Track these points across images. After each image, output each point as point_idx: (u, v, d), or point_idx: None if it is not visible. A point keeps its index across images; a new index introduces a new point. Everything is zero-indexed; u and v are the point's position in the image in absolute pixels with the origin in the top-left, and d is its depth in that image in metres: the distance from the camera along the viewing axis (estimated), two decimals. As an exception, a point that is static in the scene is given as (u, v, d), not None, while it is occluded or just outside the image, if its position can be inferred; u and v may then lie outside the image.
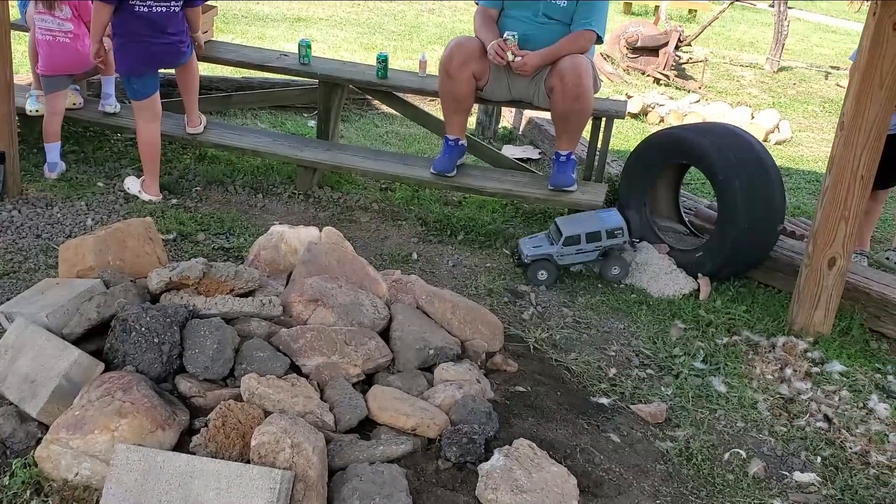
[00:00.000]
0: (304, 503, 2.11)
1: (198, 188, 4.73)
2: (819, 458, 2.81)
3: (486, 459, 2.40)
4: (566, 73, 4.31)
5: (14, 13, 4.39)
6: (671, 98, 7.95)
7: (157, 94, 4.40)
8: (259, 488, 2.04)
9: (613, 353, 3.39)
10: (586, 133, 4.87)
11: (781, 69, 10.13)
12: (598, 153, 4.86)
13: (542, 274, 3.94)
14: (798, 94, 9.06)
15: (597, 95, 4.59)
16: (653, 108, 7.46)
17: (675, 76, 8.95)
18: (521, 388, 2.98)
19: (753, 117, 7.39)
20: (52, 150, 4.57)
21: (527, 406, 2.86)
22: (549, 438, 2.67)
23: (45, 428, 2.36)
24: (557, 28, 4.43)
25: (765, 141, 6.97)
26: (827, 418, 3.05)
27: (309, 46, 5.09)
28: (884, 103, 3.42)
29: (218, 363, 2.56)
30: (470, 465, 2.41)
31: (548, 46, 4.38)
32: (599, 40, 4.56)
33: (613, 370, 3.24)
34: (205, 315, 2.70)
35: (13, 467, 2.27)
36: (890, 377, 3.37)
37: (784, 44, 10.15)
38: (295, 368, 2.67)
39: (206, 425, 2.29)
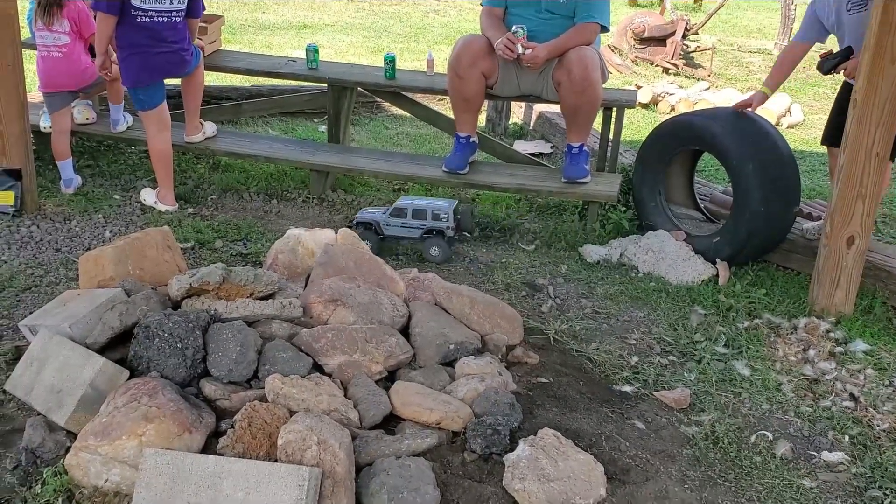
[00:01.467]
0: (332, 499, 2.12)
1: (213, 196, 4.76)
2: (847, 437, 2.79)
3: (512, 450, 2.40)
4: (573, 66, 4.31)
5: (24, 33, 4.43)
6: (681, 87, 7.92)
7: (164, 104, 4.43)
8: (288, 486, 2.05)
9: (634, 342, 3.38)
10: (597, 124, 4.87)
11: (790, 53, 10.06)
12: (609, 143, 4.86)
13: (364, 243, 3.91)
14: (808, 78, 8.98)
15: (606, 86, 4.58)
16: (663, 98, 7.44)
17: (684, 65, 8.92)
18: (543, 380, 2.97)
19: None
20: (65, 167, 4.62)
21: (550, 396, 2.86)
22: (574, 427, 2.66)
23: (73, 436, 2.39)
24: (561, 23, 4.43)
25: (777, 125, 6.92)
26: (853, 397, 3.03)
27: (316, 51, 5.12)
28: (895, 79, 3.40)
29: (241, 365, 2.57)
30: (496, 456, 2.41)
31: (548, 41, 4.38)
32: (605, 30, 4.56)
33: (635, 358, 3.24)
34: (226, 319, 2.72)
35: (44, 476, 2.30)
36: (915, 354, 3.34)
37: (792, 28, 10.09)
38: (318, 368, 2.68)
39: (233, 427, 2.31)
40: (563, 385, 2.96)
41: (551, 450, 2.40)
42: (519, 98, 4.99)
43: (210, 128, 5.00)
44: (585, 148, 4.59)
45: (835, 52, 3.96)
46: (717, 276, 3.97)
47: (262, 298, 2.90)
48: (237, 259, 3.93)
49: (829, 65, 3.87)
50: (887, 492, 2.51)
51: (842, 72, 3.87)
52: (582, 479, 2.32)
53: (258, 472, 2.10)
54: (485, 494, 2.27)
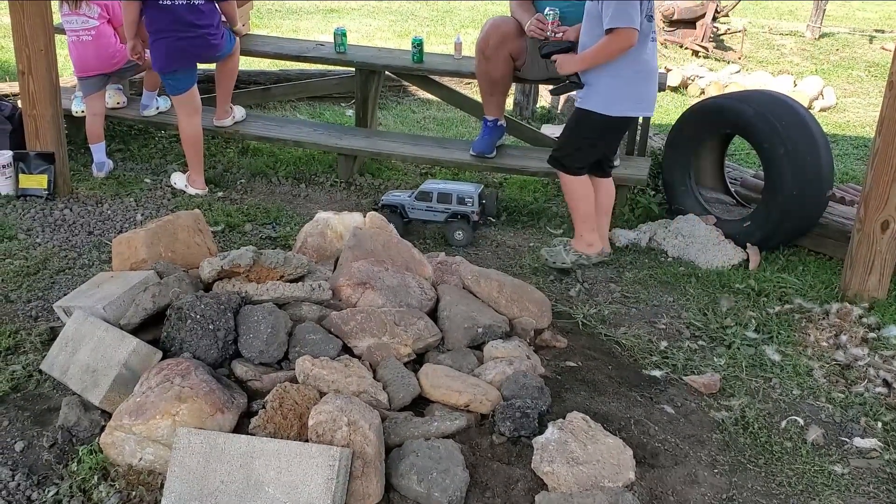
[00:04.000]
0: (362, 479, 2.14)
1: (242, 180, 4.79)
2: (880, 424, 2.76)
3: (541, 433, 2.40)
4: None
5: (57, 17, 4.48)
6: (711, 70, 7.83)
7: (195, 88, 4.45)
8: (319, 466, 2.07)
9: (664, 326, 3.36)
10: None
11: (823, 35, 9.89)
12: (639, 127, 4.81)
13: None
14: (841, 60, 8.84)
15: (635, 68, 4.53)
16: (692, 81, 7.35)
17: (714, 48, 8.80)
18: (571, 364, 2.97)
19: (796, 85, 7.24)
20: (98, 150, 4.67)
21: (578, 380, 2.86)
22: (603, 411, 2.66)
23: (107, 416, 2.43)
24: None
25: (809, 108, 6.82)
26: (886, 383, 2.99)
27: (344, 35, 5.12)
28: (934, 59, 3.33)
29: (272, 347, 2.60)
30: (524, 438, 2.42)
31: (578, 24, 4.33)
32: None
33: (664, 343, 3.22)
34: (257, 301, 2.75)
35: (80, 454, 2.34)
36: (950, 340, 3.29)
37: (825, 9, 9.91)
38: (347, 350, 2.70)
39: (264, 407, 2.33)
40: (592, 369, 2.96)
41: (580, 433, 2.40)
42: (547, 81, 4.94)
43: (239, 112, 5.03)
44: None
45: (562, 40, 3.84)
46: (748, 260, 3.93)
47: (291, 281, 2.92)
48: (266, 242, 3.96)
49: (546, 51, 3.74)
50: (921, 479, 2.48)
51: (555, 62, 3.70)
52: (611, 462, 2.32)
53: (290, 452, 2.12)
54: (514, 476, 2.28)
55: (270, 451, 2.14)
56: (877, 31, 10.42)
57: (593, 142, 3.68)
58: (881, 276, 3.57)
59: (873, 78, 8.18)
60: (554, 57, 3.70)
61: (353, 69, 5.23)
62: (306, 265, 2.97)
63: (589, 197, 3.75)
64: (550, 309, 3.24)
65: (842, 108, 7.10)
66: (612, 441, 2.40)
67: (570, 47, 3.67)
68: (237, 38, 4.76)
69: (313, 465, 2.08)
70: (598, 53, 3.47)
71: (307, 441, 2.20)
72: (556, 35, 4.33)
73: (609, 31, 3.39)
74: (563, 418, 2.46)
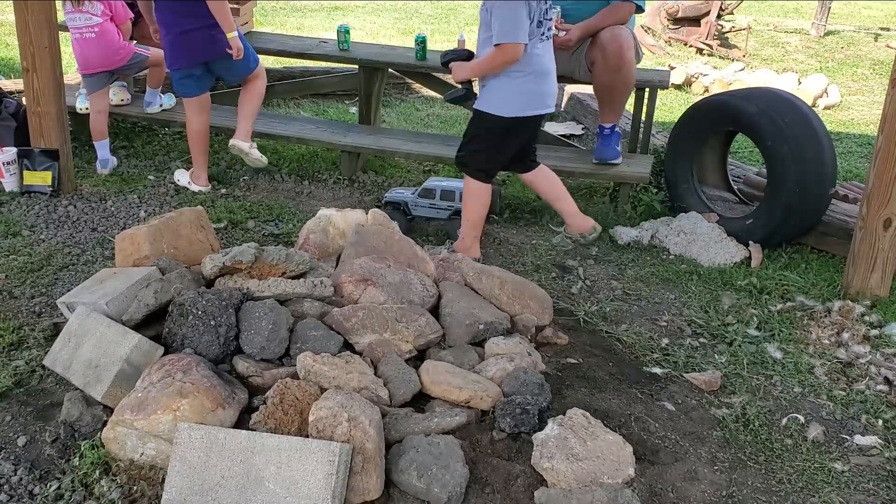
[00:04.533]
0: (362, 475, 2.15)
1: (245, 177, 4.80)
2: (880, 421, 2.76)
3: (540, 430, 2.41)
4: (607, 45, 4.27)
5: (61, 15, 4.50)
6: (715, 67, 7.81)
7: (205, 93, 4.45)
8: (319, 461, 2.08)
9: (665, 324, 3.36)
10: (630, 105, 4.82)
11: (828, 33, 9.87)
12: (642, 125, 4.81)
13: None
14: (846, 58, 8.82)
15: (639, 66, 4.53)
16: (696, 79, 7.34)
17: (718, 45, 8.78)
18: (572, 360, 2.97)
19: (800, 83, 7.22)
20: (102, 147, 4.69)
21: (579, 377, 2.86)
22: (603, 408, 2.66)
23: (109, 411, 2.44)
24: (595, 3, 4.38)
25: (813, 106, 6.81)
26: (888, 381, 2.99)
27: (348, 32, 5.13)
28: (938, 57, 3.32)
29: (273, 343, 2.61)
30: (524, 435, 2.42)
31: (580, 22, 4.34)
32: (640, 10, 4.50)
33: (665, 340, 3.22)
34: (258, 297, 2.76)
35: (82, 449, 2.36)
36: (953, 339, 3.28)
37: (830, 7, 9.89)
38: (348, 346, 2.71)
39: (265, 403, 2.34)
40: (593, 366, 2.96)
41: (580, 429, 2.40)
42: (550, 79, 4.94)
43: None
44: (617, 129, 4.56)
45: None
46: (750, 258, 3.93)
47: (293, 278, 2.93)
48: (269, 239, 3.97)
49: (445, 59, 3.75)
50: (921, 476, 2.48)
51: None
52: (611, 458, 2.32)
53: (290, 448, 2.13)
54: (513, 473, 2.28)
55: (271, 447, 2.15)
56: (882, 28, 10.38)
57: (494, 143, 3.70)
58: (883, 274, 3.57)
59: (878, 76, 8.16)
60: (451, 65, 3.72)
61: (357, 66, 5.24)
62: (308, 262, 2.98)
63: (484, 205, 3.79)
64: (552, 306, 3.24)
65: (846, 105, 7.08)
66: (612, 437, 2.41)
67: (469, 55, 3.70)
68: (260, 60, 4.62)
69: (313, 460, 2.09)
70: (486, 65, 3.56)
71: (308, 437, 2.21)
72: (560, 33, 4.34)
73: (497, 45, 3.44)
74: (564, 415, 2.47)
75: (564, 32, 4.33)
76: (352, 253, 3.15)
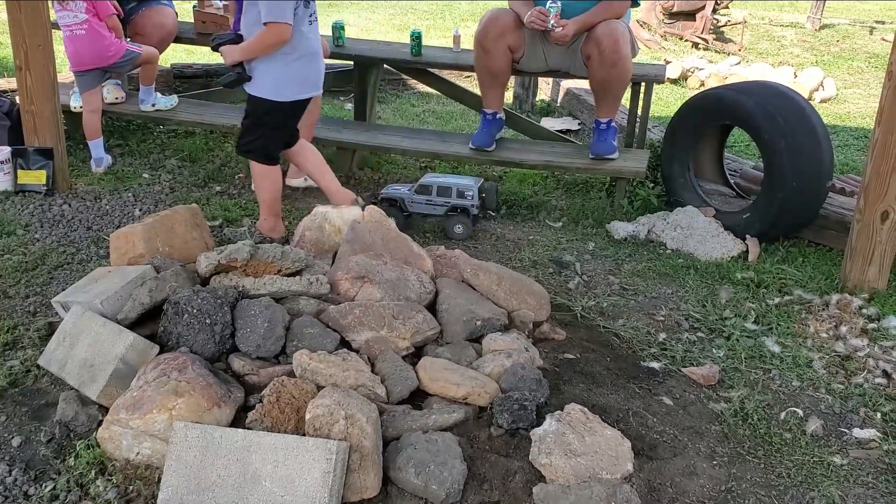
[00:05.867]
0: (360, 472, 2.13)
1: (240, 175, 4.78)
2: (879, 414, 2.75)
3: (538, 425, 2.40)
4: (603, 40, 4.26)
5: (53, 13, 4.47)
6: (710, 62, 7.80)
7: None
8: (316, 459, 2.07)
9: (662, 318, 3.35)
10: (626, 101, 4.81)
11: (824, 27, 9.86)
12: (638, 119, 4.80)
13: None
14: (842, 51, 8.81)
15: (635, 61, 4.53)
16: (692, 73, 7.33)
17: (714, 39, 8.77)
18: (569, 356, 2.96)
19: (796, 76, 7.21)
20: (96, 146, 4.67)
21: (576, 372, 2.85)
22: (601, 403, 2.65)
23: (105, 410, 2.43)
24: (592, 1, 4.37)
25: (809, 99, 6.79)
26: (886, 374, 2.98)
27: (342, 28, 5.10)
28: (934, 49, 3.31)
29: (269, 341, 2.59)
30: (522, 431, 2.41)
31: (577, 16, 4.33)
32: (635, 4, 4.50)
33: (663, 335, 3.21)
34: (254, 295, 2.74)
35: (77, 449, 2.34)
36: (950, 331, 3.27)
37: (825, 0, 9.88)
38: (345, 344, 2.69)
39: (261, 401, 2.33)
40: (591, 361, 2.95)
41: (578, 425, 2.39)
42: (546, 73, 4.94)
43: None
44: (613, 124, 4.54)
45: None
46: (747, 252, 3.92)
47: (289, 275, 2.92)
48: (265, 239, 3.95)
49: (215, 42, 3.73)
50: (920, 469, 2.47)
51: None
52: (609, 454, 2.31)
53: (287, 446, 2.12)
54: (511, 468, 2.27)
55: (267, 445, 2.13)
56: (877, 22, 10.37)
57: (274, 127, 3.74)
58: (881, 267, 3.56)
59: (874, 69, 8.15)
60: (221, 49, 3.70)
61: (352, 62, 5.22)
62: (304, 259, 2.97)
63: (275, 182, 3.83)
64: (549, 301, 3.23)
65: (842, 99, 7.07)
66: (611, 433, 2.40)
67: (238, 38, 3.68)
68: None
69: (310, 458, 2.07)
70: (255, 46, 3.56)
71: (304, 435, 2.20)
72: (557, 29, 4.33)
73: (265, 24, 3.45)
74: (562, 410, 2.46)
75: (561, 28, 4.32)
76: (348, 250, 3.13)
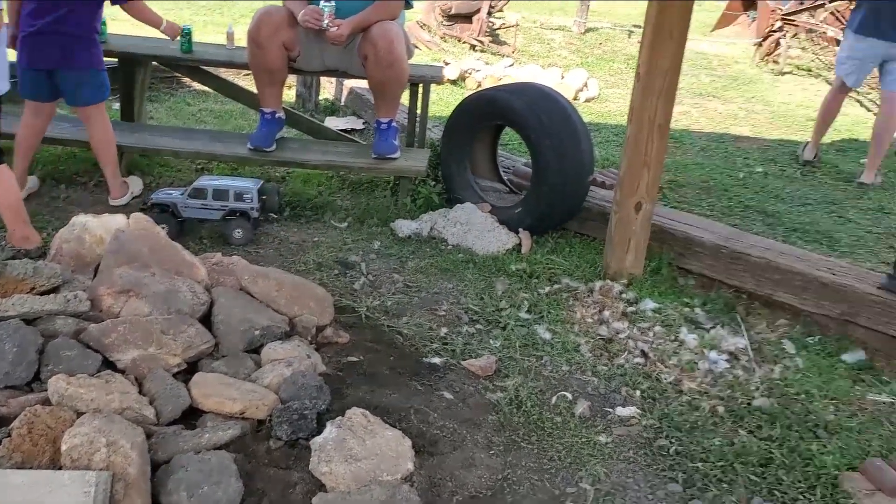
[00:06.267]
0: (125, 502, 2.00)
1: (-11, 183, 4.32)
2: (638, 392, 2.98)
3: (319, 434, 2.37)
4: (378, 41, 4.28)
5: None
6: (487, 63, 8.11)
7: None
8: (72, 494, 1.91)
9: (444, 313, 3.44)
10: (407, 101, 4.87)
11: (588, 30, 10.57)
12: (418, 119, 4.89)
13: (162, 227, 3.46)
14: (604, 53, 9.50)
15: (413, 61, 4.60)
16: (470, 74, 7.58)
17: (490, 42, 9.13)
18: (353, 358, 2.96)
19: (563, 77, 7.68)
20: None
21: (360, 375, 2.85)
22: (384, 404, 2.67)
23: None
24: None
25: (574, 99, 7.27)
26: (643, 353, 3.24)
27: (104, 23, 4.75)
28: (674, 53, 3.64)
29: (20, 368, 2.36)
30: (302, 441, 2.37)
31: (353, 17, 4.33)
32: (408, 6, 4.56)
33: (444, 329, 3.29)
34: (1, 318, 2.48)
35: None
36: (697, 309, 3.62)
37: (589, 6, 10.60)
38: (109, 365, 2.51)
39: (9, 435, 2.11)
40: (374, 362, 2.96)
41: (359, 429, 2.39)
42: (325, 73, 4.91)
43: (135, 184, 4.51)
44: (395, 124, 4.59)
45: None
46: (521, 245, 4.12)
47: (44, 293, 2.68)
48: (20, 252, 3.59)
49: None
50: (672, 440, 2.71)
51: None
52: (390, 455, 2.33)
53: (38, 482, 1.93)
54: (291, 481, 2.23)
55: (16, 484, 1.94)
56: (635, 26, 11.27)
57: None
58: (637, 254, 3.87)
59: (631, 70, 8.84)
60: None
61: (115, 59, 4.88)
62: (60, 275, 2.74)
63: (11, 187, 3.58)
64: (332, 304, 3.21)
65: (604, 98, 7.62)
66: (391, 433, 2.42)
67: None
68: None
69: (65, 494, 1.91)
70: None
71: (61, 468, 2.02)
72: (332, 28, 4.30)
73: None
74: (343, 416, 2.45)
75: (336, 28, 4.29)
76: (111, 262, 2.92)
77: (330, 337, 3.08)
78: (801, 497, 2.46)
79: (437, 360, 3.06)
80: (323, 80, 6.85)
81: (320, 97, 6.78)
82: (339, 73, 4.76)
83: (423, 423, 2.61)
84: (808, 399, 2.96)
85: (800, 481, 2.52)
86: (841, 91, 5.77)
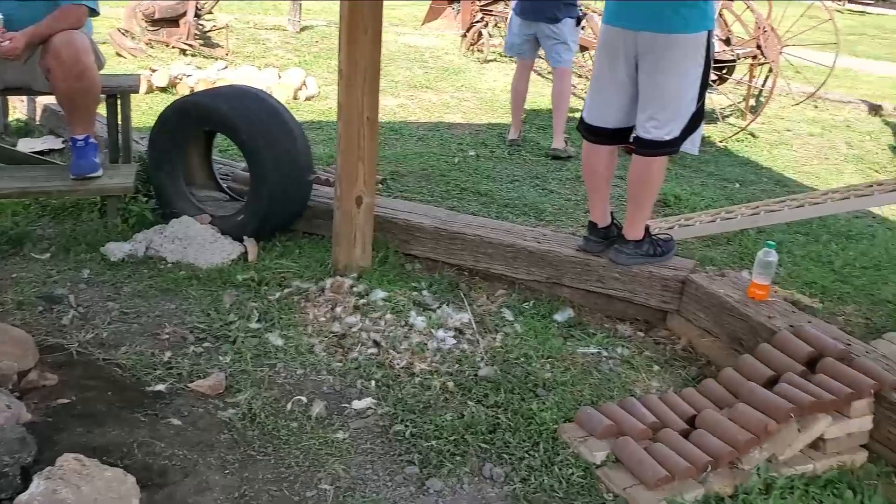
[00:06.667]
0: None
1: None
2: (373, 383, 3.02)
3: (26, 489, 2.13)
4: (62, 51, 3.95)
5: None
6: (199, 67, 7.79)
7: None
8: None
9: (167, 336, 3.25)
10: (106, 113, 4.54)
11: (304, 28, 10.54)
12: (120, 132, 4.58)
13: None
14: (321, 51, 9.52)
15: (112, 72, 4.28)
16: (181, 80, 7.24)
17: (201, 45, 8.79)
18: (64, 400, 2.71)
19: (281, 77, 7.58)
20: None
21: (73, 417, 2.62)
22: (103, 443, 2.47)
23: None
24: (42, 7, 4.01)
25: (294, 98, 7.22)
26: (376, 343, 3.29)
27: None
28: (371, 47, 3.72)
29: None
30: (6, 502, 2.12)
31: (29, 28, 3.96)
32: (94, 13, 4.25)
33: (168, 353, 3.11)
34: None
35: None
36: (424, 292, 3.75)
37: (301, 4, 10.57)
38: None
39: None
40: (89, 400, 2.73)
41: (72, 476, 2.18)
42: (6, 91, 4.44)
43: None
44: (92, 139, 4.25)
45: None
46: (247, 253, 4.00)
47: None
48: None
49: None
50: (407, 423, 2.78)
51: None
52: (111, 497, 2.16)
53: None
54: (-9, 550, 1.99)
55: None
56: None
57: None
58: (364, 247, 3.92)
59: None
60: None
61: None
62: None
63: None
64: (35, 346, 2.91)
65: (324, 95, 7.63)
66: (111, 473, 2.24)
67: None
68: None
69: None
70: None
71: None
72: (3, 43, 3.89)
73: None
74: (53, 465, 2.22)
75: (8, 42, 3.89)
76: None
77: (35, 381, 2.80)
78: (526, 455, 2.64)
79: (161, 387, 2.88)
80: (11, 99, 6.20)
81: (10, 118, 6.13)
82: (24, 91, 4.34)
83: (148, 455, 2.45)
84: (527, 361, 3.18)
85: (524, 441, 2.70)
86: (522, 69, 6.30)
